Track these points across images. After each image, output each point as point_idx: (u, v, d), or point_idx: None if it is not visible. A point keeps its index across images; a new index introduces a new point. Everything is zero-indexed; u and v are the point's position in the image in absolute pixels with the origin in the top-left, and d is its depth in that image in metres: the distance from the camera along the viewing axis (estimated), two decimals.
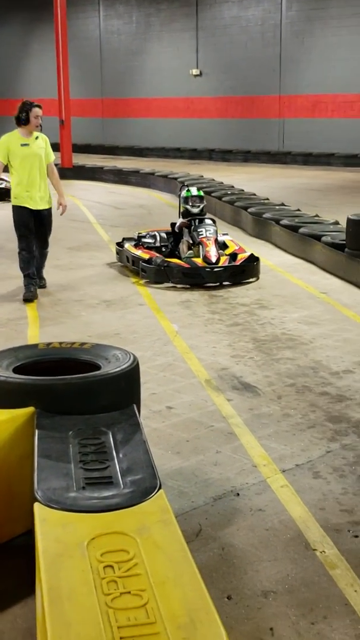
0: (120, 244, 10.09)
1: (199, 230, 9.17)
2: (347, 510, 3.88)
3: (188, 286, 8.68)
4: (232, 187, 16.56)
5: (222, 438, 4.79)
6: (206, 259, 8.77)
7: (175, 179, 18.23)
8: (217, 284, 8.70)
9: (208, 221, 9.43)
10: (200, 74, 28.55)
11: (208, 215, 9.92)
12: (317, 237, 10.08)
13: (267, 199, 14.67)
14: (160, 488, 2.83)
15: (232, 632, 2.93)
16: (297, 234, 10.64)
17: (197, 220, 9.37)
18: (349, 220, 9.51)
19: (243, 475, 4.29)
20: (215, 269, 8.67)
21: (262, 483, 4.20)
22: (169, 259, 8.98)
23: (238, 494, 4.06)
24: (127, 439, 3.26)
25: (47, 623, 2.08)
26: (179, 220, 9.61)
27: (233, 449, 4.64)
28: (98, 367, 3.82)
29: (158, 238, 9.80)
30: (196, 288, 8.59)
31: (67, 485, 2.85)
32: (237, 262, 8.87)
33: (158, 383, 5.70)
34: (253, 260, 9.02)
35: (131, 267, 9.35)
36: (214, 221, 9.53)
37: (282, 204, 13.79)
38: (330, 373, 5.89)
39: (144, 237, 9.90)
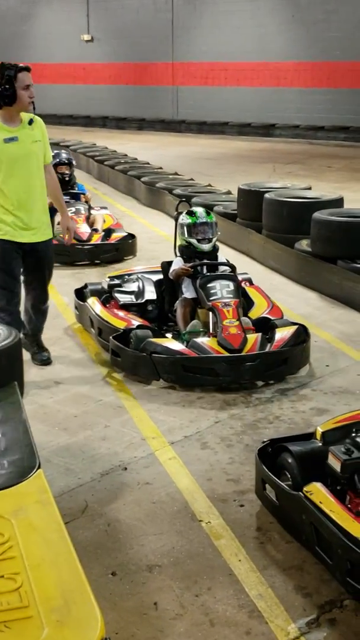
0: (80, 294, 6.48)
1: (209, 286, 5.58)
2: (233, 479, 3.94)
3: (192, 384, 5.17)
4: (126, 155, 16.46)
5: (111, 412, 4.78)
6: (225, 341, 5.23)
7: (68, 146, 17.94)
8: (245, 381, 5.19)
9: (224, 268, 5.91)
10: (92, 40, 28.06)
11: (220, 255, 6.14)
12: (210, 207, 10.10)
13: (161, 167, 14.65)
14: (39, 467, 2.78)
15: (116, 608, 2.94)
16: (190, 204, 10.65)
17: (205, 267, 5.84)
18: (239, 190, 9.61)
19: (131, 449, 4.29)
20: (242, 360, 5.12)
21: (151, 456, 4.21)
22: (156, 339, 5.34)
23: (126, 468, 4.06)
24: (6, 418, 3.19)
25: None
26: (175, 263, 5.94)
27: (122, 422, 4.63)
28: None
29: (141, 288, 6.18)
30: (207, 389, 5.12)
31: None
32: (277, 345, 5.28)
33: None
34: (302, 336, 5.45)
35: (95, 337, 5.87)
36: (232, 267, 5.93)
37: (176, 173, 13.81)
38: None
39: (118, 285, 6.29)
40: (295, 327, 5.45)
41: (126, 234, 8.94)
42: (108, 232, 8.89)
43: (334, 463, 3.32)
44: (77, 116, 27.88)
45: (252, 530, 3.49)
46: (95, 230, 8.82)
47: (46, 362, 5.48)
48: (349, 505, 3.23)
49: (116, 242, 8.72)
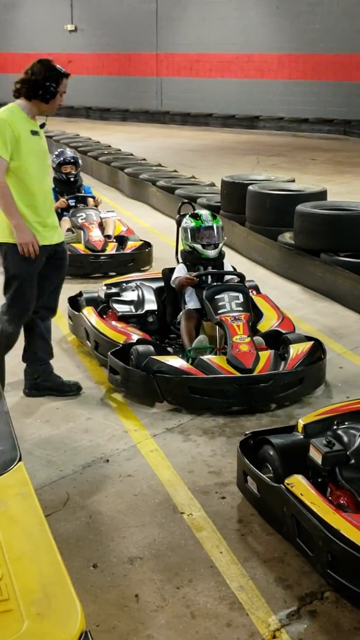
0: (74, 303, 5.96)
1: (217, 298, 5.11)
2: (215, 472, 3.95)
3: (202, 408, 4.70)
4: (109, 146, 16.41)
5: (93, 404, 4.77)
6: (235, 359, 4.73)
7: (50, 137, 17.84)
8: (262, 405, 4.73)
9: (230, 277, 5.50)
10: (76, 30, 27.92)
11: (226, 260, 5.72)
12: (193, 199, 10.10)
13: (144, 159, 14.62)
14: (20, 460, 2.77)
15: (97, 600, 2.94)
16: (173, 196, 10.64)
17: (211, 277, 5.43)
18: (223, 182, 9.61)
19: (113, 441, 4.29)
20: (254, 381, 4.64)
21: (133, 448, 4.21)
22: (159, 357, 4.83)
23: (108, 461, 4.06)
24: None
25: None
26: (178, 270, 5.53)
27: (104, 415, 4.63)
28: None
29: (141, 297, 5.70)
30: (216, 414, 4.64)
31: None
32: (291, 364, 4.81)
33: None
34: (317, 354, 5.01)
35: (92, 351, 5.43)
36: (241, 277, 5.54)
37: (159, 165, 13.78)
38: None
39: (116, 294, 5.84)
40: (310, 343, 4.99)
41: (142, 242, 8.08)
42: (121, 239, 8.06)
43: (315, 455, 3.33)
44: (61, 106, 27.71)
45: (233, 522, 3.50)
46: (108, 237, 7.97)
47: (70, 391, 4.90)
48: (329, 498, 3.25)
49: (132, 251, 7.84)
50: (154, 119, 25.40)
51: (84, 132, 19.94)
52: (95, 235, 7.85)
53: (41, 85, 4.55)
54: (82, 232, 7.92)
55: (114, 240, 8.02)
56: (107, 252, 7.74)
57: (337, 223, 7.40)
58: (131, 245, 7.95)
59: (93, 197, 8.54)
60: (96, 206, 8.42)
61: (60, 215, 7.83)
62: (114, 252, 7.81)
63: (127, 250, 7.87)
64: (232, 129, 23.26)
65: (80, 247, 7.76)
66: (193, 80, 25.41)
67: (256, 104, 23.65)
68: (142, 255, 7.89)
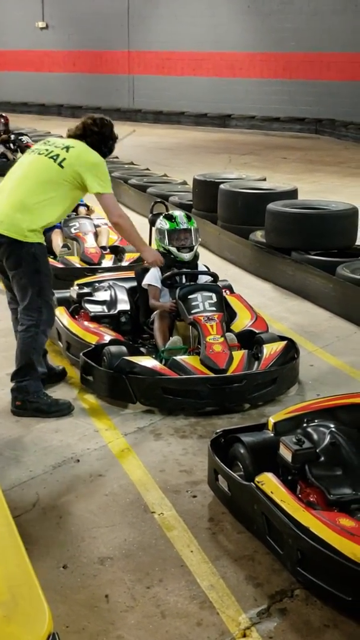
0: None
1: (190, 298, 5.06)
2: (186, 470, 3.94)
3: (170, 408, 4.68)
4: None
5: None
6: (209, 360, 4.71)
7: (22, 134, 17.72)
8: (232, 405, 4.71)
9: (205, 277, 5.43)
10: (47, 27, 27.75)
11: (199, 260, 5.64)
12: (165, 198, 10.10)
13: (117, 157, 14.54)
14: None
15: (67, 601, 2.92)
16: (145, 194, 10.63)
17: (185, 277, 5.37)
18: (195, 181, 9.62)
19: (84, 440, 4.27)
20: (228, 381, 4.61)
21: (104, 448, 4.20)
22: (132, 357, 4.78)
23: (78, 460, 4.04)
24: None
25: None
26: (151, 272, 5.40)
27: (75, 414, 4.60)
28: None
29: (114, 297, 5.65)
30: (188, 413, 4.63)
31: None
32: (265, 364, 4.80)
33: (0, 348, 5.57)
34: (290, 353, 5.02)
35: (64, 352, 5.40)
36: (214, 276, 5.49)
37: (131, 163, 13.75)
38: None
39: (89, 294, 5.75)
40: (283, 342, 4.98)
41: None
42: (115, 250, 7.48)
43: (285, 453, 3.35)
44: (32, 104, 27.56)
45: (204, 521, 3.50)
46: (104, 248, 7.38)
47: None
48: (299, 495, 3.26)
49: (131, 264, 7.03)
50: (125, 117, 25.25)
51: (56, 129, 19.76)
52: (91, 246, 7.29)
53: (107, 143, 4.89)
54: (75, 243, 7.40)
55: (109, 251, 7.48)
56: (103, 266, 7.10)
57: (307, 222, 7.43)
58: (129, 257, 7.23)
59: (86, 207, 8.04)
60: (88, 215, 7.91)
61: (51, 227, 6.64)
62: (111, 264, 7.17)
63: (125, 263, 7.14)
64: (204, 127, 23.23)
65: (75, 260, 7.19)
66: (165, 78, 25.36)
67: (228, 103, 23.65)
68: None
